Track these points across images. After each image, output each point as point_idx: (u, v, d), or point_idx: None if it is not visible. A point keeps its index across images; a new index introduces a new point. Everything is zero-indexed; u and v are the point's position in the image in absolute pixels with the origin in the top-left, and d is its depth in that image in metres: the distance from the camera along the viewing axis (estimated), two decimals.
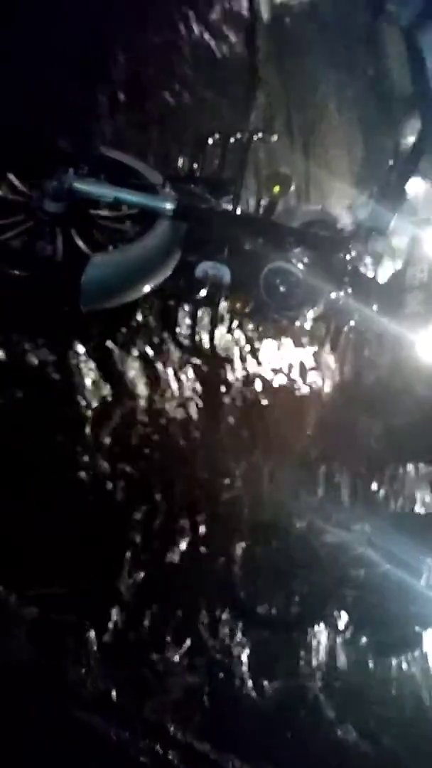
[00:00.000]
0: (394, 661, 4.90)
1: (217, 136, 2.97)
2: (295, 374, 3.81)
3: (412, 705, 5.12)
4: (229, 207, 2.80)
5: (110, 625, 2.49)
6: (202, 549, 3.07)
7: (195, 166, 2.98)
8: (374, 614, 3.61)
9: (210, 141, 2.96)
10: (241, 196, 2.90)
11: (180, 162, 3.05)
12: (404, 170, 2.64)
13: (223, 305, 2.70)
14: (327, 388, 4.32)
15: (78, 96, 2.63)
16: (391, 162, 2.61)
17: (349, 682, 4.33)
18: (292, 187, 2.75)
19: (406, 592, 3.63)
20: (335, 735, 4.00)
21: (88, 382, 2.44)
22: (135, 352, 2.65)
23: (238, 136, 2.96)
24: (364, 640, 3.89)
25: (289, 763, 3.49)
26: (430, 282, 5.56)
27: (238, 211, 2.80)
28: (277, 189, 2.64)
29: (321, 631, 3.96)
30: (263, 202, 2.80)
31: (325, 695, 3.89)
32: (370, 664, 4.58)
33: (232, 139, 2.92)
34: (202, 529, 3.08)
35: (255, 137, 2.92)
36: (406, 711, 4.90)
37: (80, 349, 2.40)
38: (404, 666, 5.16)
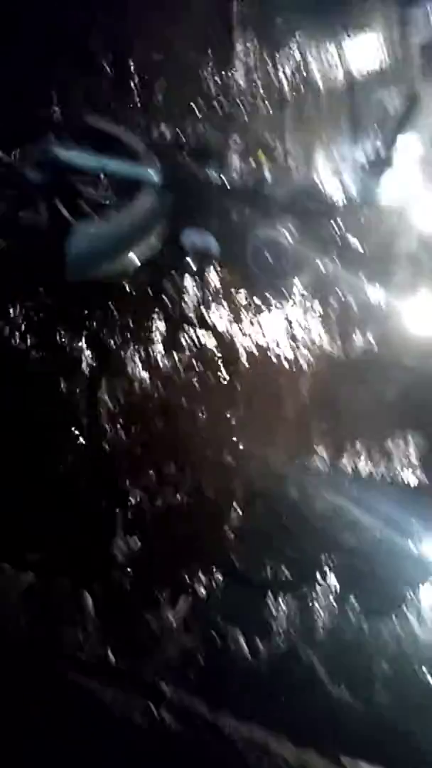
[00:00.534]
0: (384, 623, 5.02)
1: (201, 102, 2.94)
2: (284, 344, 3.80)
3: (402, 664, 5.26)
4: (216, 175, 2.78)
5: (105, 588, 2.54)
6: (196, 514, 3.11)
7: (179, 133, 2.95)
8: (364, 578, 3.69)
9: (194, 107, 2.93)
10: (227, 164, 2.88)
11: (164, 129, 3.01)
12: (391, 139, 2.62)
13: (212, 275, 2.70)
14: (317, 359, 4.33)
15: (59, 63, 2.59)
16: (377, 131, 2.59)
17: (341, 644, 4.43)
18: (278, 156, 2.72)
19: (395, 556, 3.71)
20: (329, 695, 4.12)
21: (74, 352, 2.44)
22: (122, 322, 2.65)
23: (223, 102, 2.93)
24: (354, 602, 3.97)
25: (283, 722, 3.59)
26: (418, 252, 5.56)
27: (225, 180, 2.79)
28: (262, 157, 2.62)
29: (313, 595, 4.04)
30: (249, 172, 2.78)
31: (318, 657, 3.99)
32: (361, 626, 4.69)
33: (216, 105, 2.89)
34: (195, 495, 3.12)
35: (239, 104, 2.89)
36: (396, 670, 5.04)
37: (66, 319, 2.41)
38: (394, 627, 5.29)
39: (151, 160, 2.30)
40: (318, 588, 4.05)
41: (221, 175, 2.80)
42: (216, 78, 3.29)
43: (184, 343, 2.82)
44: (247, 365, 3.34)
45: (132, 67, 2.85)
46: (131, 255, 2.22)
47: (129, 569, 2.67)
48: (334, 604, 4.30)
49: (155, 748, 2.40)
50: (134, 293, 2.69)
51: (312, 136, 4.07)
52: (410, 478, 6.12)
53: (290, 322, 3.77)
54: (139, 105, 2.84)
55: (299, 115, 3.99)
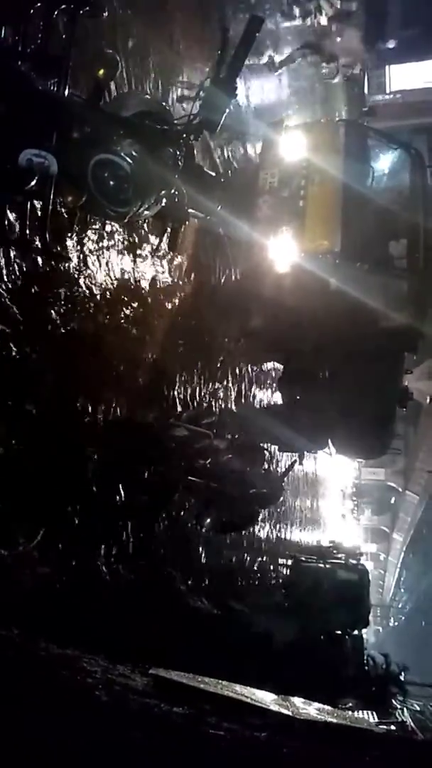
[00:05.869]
0: (235, 537, 5.47)
1: (41, 5, 2.67)
2: (133, 273, 3.75)
3: (253, 571, 5.82)
4: (56, 88, 2.59)
5: None
6: (57, 449, 3.08)
7: (17, 38, 2.69)
8: (218, 497, 3.95)
9: (33, 11, 2.67)
10: (69, 76, 2.68)
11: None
12: (234, 61, 2.57)
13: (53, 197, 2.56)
14: (173, 290, 4.36)
15: None
16: (218, 52, 2.53)
17: (198, 559, 4.78)
18: (120, 71, 2.59)
19: (246, 476, 4.00)
20: (188, 603, 4.46)
21: None
22: None
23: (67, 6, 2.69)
24: (209, 520, 4.27)
25: (148, 631, 3.84)
26: (281, 186, 5.64)
27: (66, 94, 2.61)
28: (101, 72, 2.48)
29: (171, 515, 4.27)
30: (93, 88, 2.62)
31: (178, 571, 4.28)
32: (216, 541, 5.08)
33: (57, 12, 2.65)
34: (57, 428, 3.08)
35: (83, 10, 2.67)
36: (247, 577, 5.57)
37: None
38: (244, 540, 5.79)
39: None
40: (175, 509, 4.28)
41: (62, 88, 2.62)
42: None
43: (27, 269, 2.69)
44: (97, 295, 3.28)
45: None
46: None
47: None
48: (191, 522, 4.58)
49: None
50: None
51: (164, 53, 3.89)
52: (263, 403, 6.52)
53: (141, 251, 3.71)
54: None
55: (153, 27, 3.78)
